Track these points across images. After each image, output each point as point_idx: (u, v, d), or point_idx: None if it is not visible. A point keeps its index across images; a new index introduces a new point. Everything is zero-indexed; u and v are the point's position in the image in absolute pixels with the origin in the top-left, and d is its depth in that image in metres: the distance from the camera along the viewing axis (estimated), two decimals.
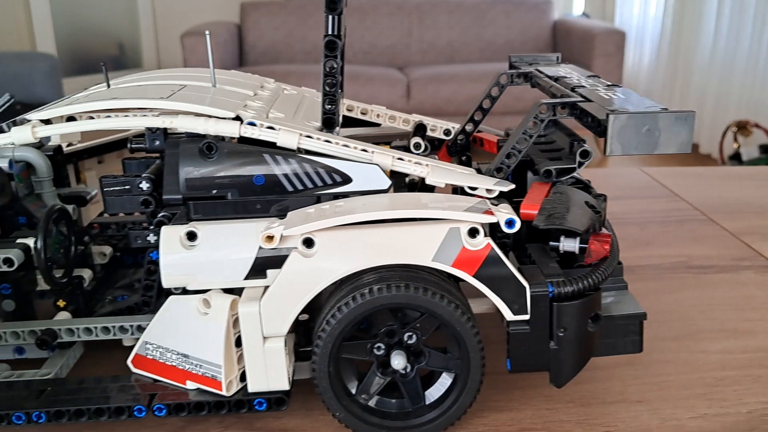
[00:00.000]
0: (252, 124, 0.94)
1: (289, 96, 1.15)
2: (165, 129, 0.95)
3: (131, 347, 1.04)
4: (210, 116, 0.93)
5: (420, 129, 1.21)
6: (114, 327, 0.99)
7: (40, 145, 1.18)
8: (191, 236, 0.90)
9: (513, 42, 6.47)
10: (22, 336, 0.99)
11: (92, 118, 0.95)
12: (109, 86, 1.05)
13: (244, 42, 6.43)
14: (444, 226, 0.87)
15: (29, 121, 0.94)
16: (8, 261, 0.98)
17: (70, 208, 1.13)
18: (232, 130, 0.92)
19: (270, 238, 0.88)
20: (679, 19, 6.27)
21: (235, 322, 0.89)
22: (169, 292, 0.95)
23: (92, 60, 6.47)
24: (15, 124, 0.90)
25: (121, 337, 1.00)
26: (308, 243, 0.87)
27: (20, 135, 0.87)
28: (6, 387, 0.93)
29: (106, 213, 0.97)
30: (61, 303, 1.07)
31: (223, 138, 0.94)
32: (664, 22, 6.54)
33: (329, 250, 0.86)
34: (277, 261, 0.89)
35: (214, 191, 0.92)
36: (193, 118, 0.92)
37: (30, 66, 5.46)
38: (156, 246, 0.98)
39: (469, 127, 1.22)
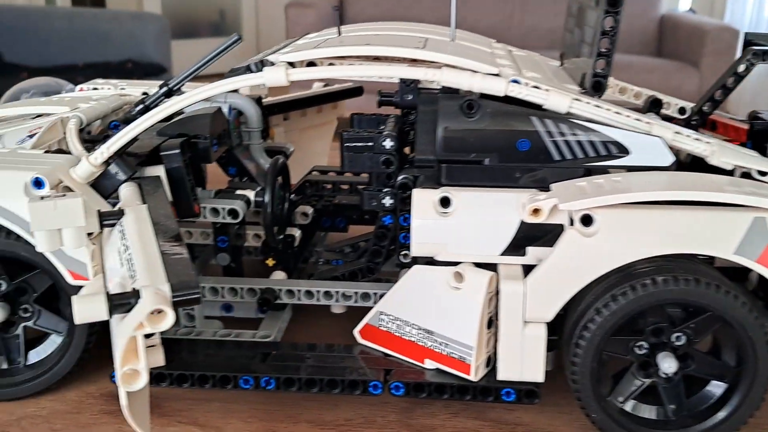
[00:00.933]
0: (516, 81, 0.84)
1: (524, 57, 1.05)
2: (417, 83, 0.86)
3: (339, 315, 0.97)
4: (474, 71, 0.83)
5: (655, 104, 1.09)
6: (337, 293, 0.92)
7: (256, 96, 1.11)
8: (445, 202, 0.81)
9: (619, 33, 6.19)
10: (240, 293, 0.93)
11: (332, 64, 0.87)
12: (339, 33, 0.97)
13: (345, 16, 6.36)
14: (748, 215, 0.75)
15: (270, 63, 0.86)
16: (233, 213, 0.91)
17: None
18: (498, 87, 0.82)
19: (536, 211, 0.78)
20: None
21: (489, 301, 0.80)
22: (403, 264, 0.87)
23: (194, 24, 6.52)
24: (264, 64, 0.83)
25: (345, 304, 0.93)
26: (586, 221, 0.76)
27: (273, 76, 0.80)
28: (230, 346, 0.87)
29: (343, 169, 0.89)
30: (270, 262, 1.01)
31: (484, 95, 0.84)
32: None
33: (613, 230, 0.76)
34: (538, 237, 0.79)
35: (473, 155, 0.83)
36: (457, 71, 0.82)
37: (142, 26, 5.54)
38: (390, 210, 0.90)
39: (707, 107, 1.09)
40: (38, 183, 0.77)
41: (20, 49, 4.45)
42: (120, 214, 0.74)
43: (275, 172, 0.92)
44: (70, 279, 0.79)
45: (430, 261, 0.83)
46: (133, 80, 1.31)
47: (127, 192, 0.80)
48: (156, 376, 0.82)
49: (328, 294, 0.92)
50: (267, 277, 0.99)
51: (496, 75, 0.84)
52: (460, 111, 0.82)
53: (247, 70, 0.84)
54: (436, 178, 0.84)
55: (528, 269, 0.80)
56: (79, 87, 1.22)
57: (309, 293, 0.92)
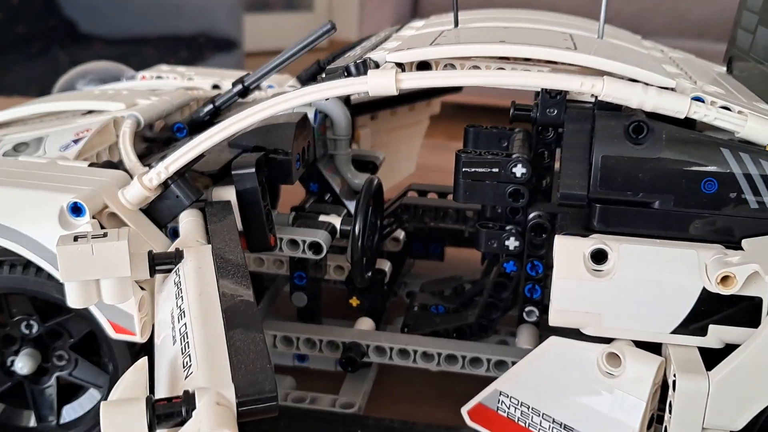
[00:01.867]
0: (699, 99, 0.62)
1: (684, 60, 0.82)
2: (565, 95, 0.66)
3: (434, 373, 0.78)
4: (647, 84, 0.62)
5: None
6: (440, 355, 0.73)
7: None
8: (600, 257, 0.60)
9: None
10: (319, 346, 0.75)
11: (452, 66, 0.67)
12: (457, 24, 0.77)
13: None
14: None
15: (374, 61, 0.67)
16: (316, 247, 0.73)
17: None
18: (678, 106, 0.61)
19: (726, 279, 0.57)
20: None
21: (653, 395, 0.60)
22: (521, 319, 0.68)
23: None
24: (365, 64, 0.64)
25: (449, 369, 0.74)
26: None
27: (380, 82, 0.61)
28: (301, 416, 0.69)
29: (456, 199, 0.69)
30: (354, 302, 0.83)
31: (656, 116, 0.63)
32: None
33: None
34: (725, 313, 0.59)
35: (640, 194, 0.62)
36: (625, 84, 0.61)
37: None
38: (514, 255, 0.71)
39: None
40: (77, 209, 0.60)
41: (95, 19, 4.40)
42: (177, 257, 0.57)
43: (368, 196, 0.74)
44: (111, 332, 0.62)
45: (572, 332, 0.63)
46: (202, 68, 1.14)
47: (189, 223, 0.63)
48: None
49: (427, 355, 0.73)
50: (348, 316, 0.81)
51: (672, 89, 0.63)
52: (625, 135, 0.62)
53: (346, 72, 0.65)
54: (583, 220, 0.64)
55: (707, 355, 0.59)
56: (141, 75, 1.06)
57: (404, 353, 0.73)
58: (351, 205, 0.84)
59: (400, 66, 0.67)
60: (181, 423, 0.41)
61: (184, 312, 0.50)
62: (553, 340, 0.63)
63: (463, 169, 0.68)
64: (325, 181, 0.85)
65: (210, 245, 0.58)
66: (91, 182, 0.63)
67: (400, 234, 0.92)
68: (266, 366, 0.44)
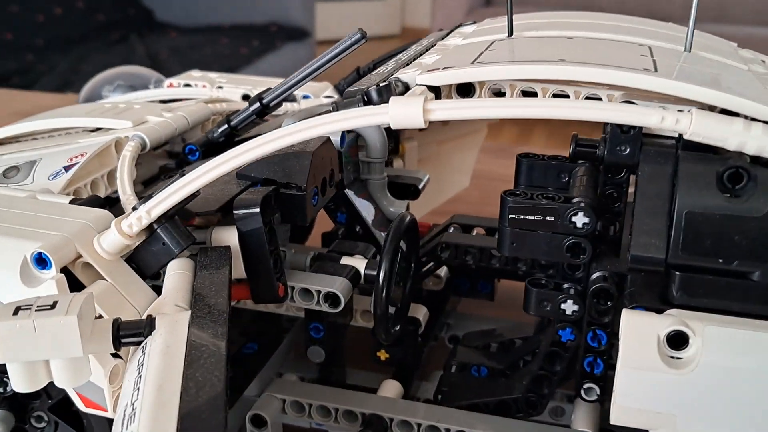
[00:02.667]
0: None
1: None
2: (640, 130, 0.52)
3: None
4: (749, 118, 0.48)
5: None
6: None
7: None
8: (678, 341, 0.47)
9: None
10: (335, 416, 0.64)
11: (499, 90, 0.55)
12: (511, 33, 0.64)
13: None
14: None
15: (402, 82, 0.55)
16: (332, 298, 0.62)
17: (403, 206, 0.76)
18: None
19: None
20: None
21: None
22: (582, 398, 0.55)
23: None
24: (388, 89, 0.52)
25: None
26: None
27: (403, 113, 0.49)
28: None
29: (501, 251, 0.57)
30: (382, 355, 0.71)
31: (762, 161, 0.48)
32: None
33: None
34: None
35: (735, 262, 0.48)
36: (718, 117, 0.47)
37: None
38: (573, 320, 0.57)
39: None
40: (42, 260, 0.51)
41: (171, 9, 4.42)
42: (148, 327, 0.47)
43: (397, 239, 0.62)
44: (81, 406, 0.53)
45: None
46: (237, 75, 1.04)
47: (173, 279, 0.53)
48: None
49: None
50: (379, 368, 0.70)
51: None
52: (718, 184, 0.47)
53: (365, 98, 0.53)
54: (659, 287, 0.51)
55: None
56: (168, 82, 0.97)
57: (434, 430, 0.61)
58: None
59: (435, 90, 0.54)
60: None
61: (135, 406, 0.40)
62: None
63: (510, 216, 0.55)
64: (354, 211, 0.74)
65: (189, 312, 0.48)
66: (64, 226, 0.54)
67: (442, 270, 0.80)
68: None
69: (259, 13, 4.30)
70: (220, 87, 0.94)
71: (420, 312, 0.72)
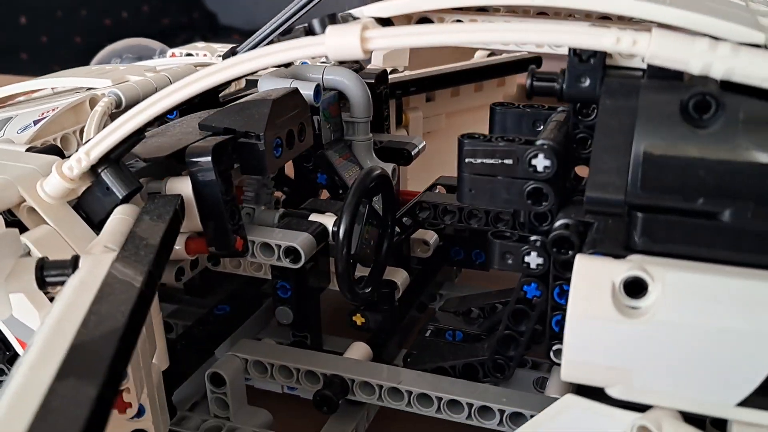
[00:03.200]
0: None
1: None
2: (604, 58, 0.47)
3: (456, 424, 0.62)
4: (715, 38, 0.42)
5: None
6: (441, 399, 0.57)
7: (359, 67, 0.79)
8: (636, 288, 0.42)
9: None
10: (296, 376, 0.61)
11: (460, 21, 0.51)
12: None
13: None
14: None
15: (354, 18, 0.52)
16: (292, 253, 0.59)
17: (389, 168, 0.73)
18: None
19: None
20: None
21: None
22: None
23: None
24: (332, 20, 0.49)
25: (448, 417, 0.58)
26: None
27: (341, 43, 0.46)
28: None
29: (459, 199, 0.53)
30: (358, 319, 0.68)
31: (727, 85, 0.43)
32: None
33: None
34: None
35: (700, 200, 0.42)
36: (681, 37, 0.42)
37: None
38: (538, 275, 0.53)
39: None
40: None
41: (233, 12, 4.52)
42: (71, 267, 0.46)
43: (360, 190, 0.59)
44: (20, 350, 0.52)
45: (594, 392, 0.45)
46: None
47: (113, 223, 0.52)
48: None
49: (425, 398, 0.57)
50: (354, 340, 0.67)
51: (762, 46, 0.43)
52: (682, 114, 0.42)
53: (308, 30, 0.50)
54: (624, 234, 0.46)
55: None
56: (171, 52, 0.97)
57: (396, 392, 0.58)
58: None
59: (387, 22, 0.51)
60: None
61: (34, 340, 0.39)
62: (568, 400, 0.45)
63: (467, 160, 0.51)
64: (334, 173, 0.71)
65: (115, 253, 0.46)
66: (11, 171, 0.53)
67: (431, 237, 0.76)
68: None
69: (318, 16, 4.35)
70: (220, 56, 0.93)
71: (399, 276, 0.68)
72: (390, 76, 0.88)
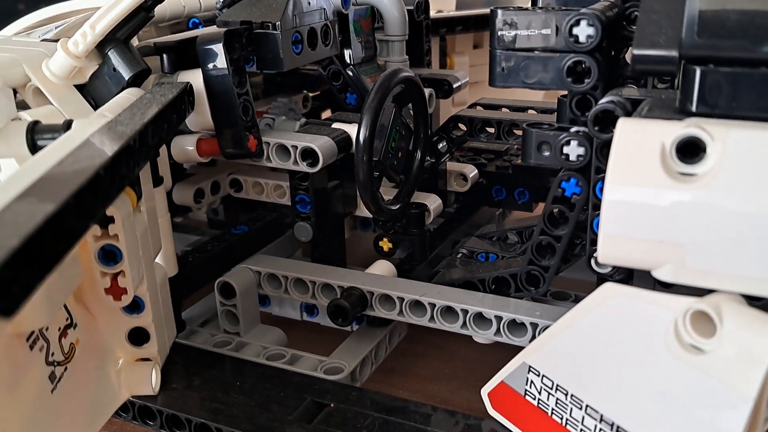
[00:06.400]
0: None
1: None
2: None
3: (483, 346, 0.56)
4: None
5: None
6: (467, 312, 0.51)
7: None
8: (691, 150, 0.36)
9: None
10: (312, 290, 0.57)
11: None
12: None
13: None
14: None
15: None
16: (310, 156, 0.55)
17: (426, 93, 0.68)
18: None
19: None
20: None
21: None
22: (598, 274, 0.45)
23: None
24: None
25: (474, 333, 0.52)
26: None
27: None
28: (264, 376, 0.51)
29: (492, 83, 0.47)
30: (385, 244, 0.63)
31: None
32: None
33: None
34: None
35: (766, 46, 0.36)
36: None
37: None
38: (578, 168, 0.47)
39: None
40: None
41: None
42: (63, 130, 0.42)
43: (385, 88, 0.54)
44: None
45: (638, 278, 0.39)
46: None
47: (116, 99, 0.48)
48: (141, 410, 0.49)
49: (450, 312, 0.51)
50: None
51: None
52: None
53: None
54: (678, 102, 0.39)
55: None
56: None
57: (419, 306, 0.52)
58: None
59: None
60: None
61: None
62: (608, 289, 0.39)
63: (499, 33, 0.46)
64: (365, 92, 0.67)
65: (107, 118, 0.43)
66: (20, 53, 0.51)
67: (470, 171, 0.71)
68: (8, 244, 0.27)
69: None
70: None
71: (431, 201, 0.63)
72: (436, 15, 0.83)
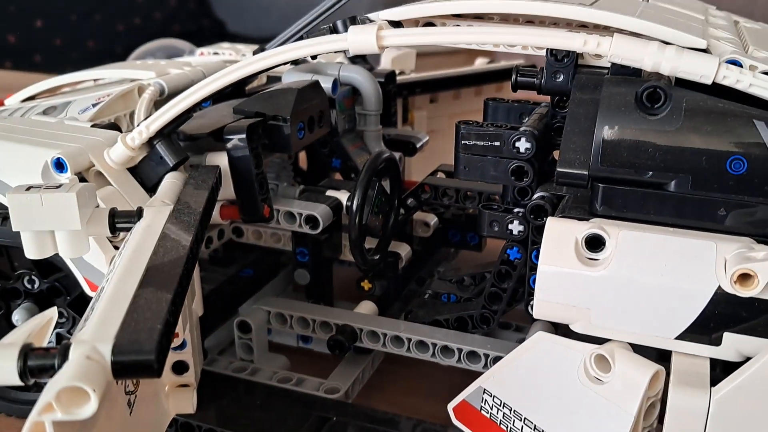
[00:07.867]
0: (736, 63, 0.52)
1: (759, 31, 0.70)
2: (576, 57, 0.58)
3: (449, 369, 0.72)
4: (665, 42, 0.53)
5: None
6: (436, 345, 0.67)
7: (370, 67, 0.89)
8: (595, 243, 0.52)
9: None
10: (312, 326, 0.72)
11: (458, 25, 0.62)
12: None
13: None
14: None
15: (371, 21, 0.63)
16: (312, 221, 0.70)
17: (396, 156, 0.83)
18: (704, 68, 0.51)
19: (745, 277, 0.47)
20: None
21: (649, 409, 0.51)
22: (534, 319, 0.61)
23: None
24: (353, 21, 0.60)
25: (441, 360, 0.68)
26: None
27: (360, 40, 0.57)
28: (277, 396, 0.66)
29: (455, 175, 0.63)
30: (365, 285, 0.78)
31: (679, 82, 0.54)
32: None
33: None
34: (743, 319, 0.49)
35: (649, 173, 0.53)
36: (636, 41, 0.53)
37: None
38: (519, 240, 0.63)
39: None
40: (60, 165, 0.60)
41: (242, 20, 4.64)
42: (138, 216, 0.56)
43: (372, 171, 0.69)
44: (87, 289, 0.62)
45: (562, 329, 0.55)
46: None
47: (166, 185, 0.62)
48: (183, 426, 0.63)
49: (422, 345, 0.67)
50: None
51: (703, 50, 0.53)
52: (637, 103, 0.53)
53: (333, 29, 0.61)
54: (588, 204, 0.56)
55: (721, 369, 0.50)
56: (199, 51, 1.07)
57: (398, 340, 0.68)
58: None
59: (397, 24, 0.62)
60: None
61: (114, 268, 0.49)
62: (539, 336, 0.55)
63: (462, 142, 0.62)
64: (347, 158, 0.82)
65: (171, 206, 0.57)
66: (82, 141, 0.63)
67: (432, 219, 0.87)
68: (156, 326, 0.41)
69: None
70: (244, 55, 1.04)
71: (402, 249, 0.79)
72: (398, 78, 0.98)
